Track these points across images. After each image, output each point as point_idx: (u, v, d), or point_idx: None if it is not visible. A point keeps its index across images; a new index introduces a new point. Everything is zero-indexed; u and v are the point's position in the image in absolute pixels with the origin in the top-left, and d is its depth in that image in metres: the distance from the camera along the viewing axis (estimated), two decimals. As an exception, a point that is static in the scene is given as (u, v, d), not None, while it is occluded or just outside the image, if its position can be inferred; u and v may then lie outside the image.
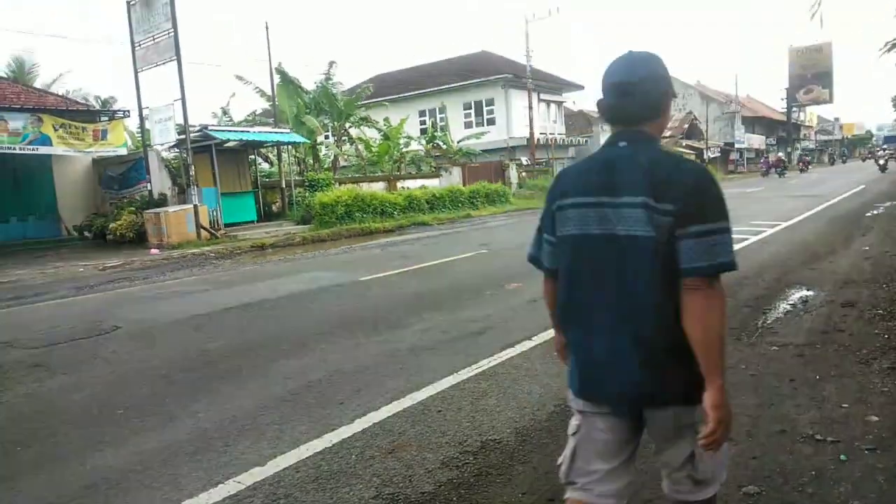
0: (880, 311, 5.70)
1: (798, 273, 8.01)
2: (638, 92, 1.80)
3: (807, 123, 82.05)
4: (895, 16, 5.60)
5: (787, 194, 23.84)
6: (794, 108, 67.04)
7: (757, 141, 64.85)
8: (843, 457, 3.07)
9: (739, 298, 6.71)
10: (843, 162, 65.61)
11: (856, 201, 18.10)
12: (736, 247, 8.52)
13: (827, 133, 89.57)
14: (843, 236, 11.24)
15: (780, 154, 51.92)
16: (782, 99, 65.56)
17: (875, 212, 14.89)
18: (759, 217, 15.48)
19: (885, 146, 54.30)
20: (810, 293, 6.77)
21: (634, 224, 1.71)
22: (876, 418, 3.47)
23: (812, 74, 60.55)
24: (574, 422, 1.97)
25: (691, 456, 1.83)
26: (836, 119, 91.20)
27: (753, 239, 11.51)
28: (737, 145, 59.32)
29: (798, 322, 5.64)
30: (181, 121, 16.76)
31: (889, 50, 5.18)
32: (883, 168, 35.88)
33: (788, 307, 6.24)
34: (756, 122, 65.65)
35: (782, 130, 70.71)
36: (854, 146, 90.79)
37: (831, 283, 7.21)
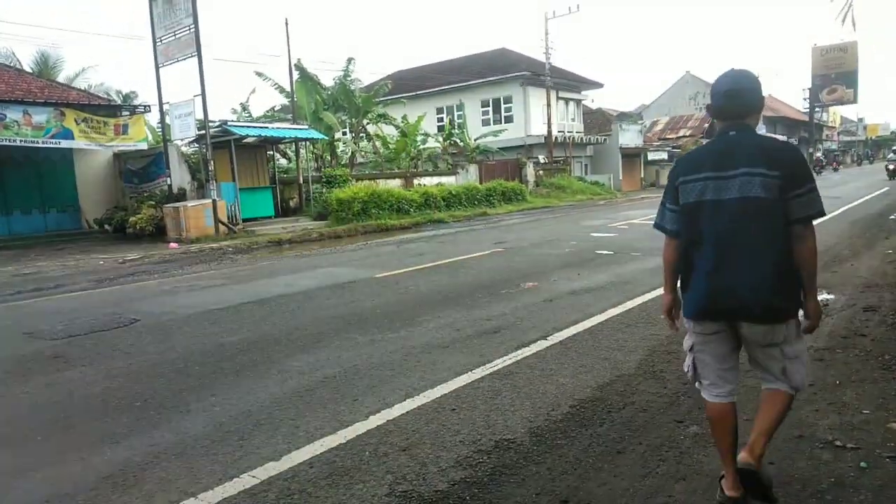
0: (903, 316, 5.60)
1: (819, 276, 7.84)
2: (743, 96, 2.56)
3: (829, 124, 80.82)
4: None
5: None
6: (817, 109, 66.06)
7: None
8: (863, 464, 3.02)
9: (758, 301, 6.62)
10: (871, 162, 64.65)
11: (879, 204, 17.81)
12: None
13: (850, 133, 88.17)
14: (866, 239, 11.06)
15: (819, 153, 50.15)
16: (805, 99, 64.63)
17: (899, 214, 14.63)
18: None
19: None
20: (831, 297, 6.67)
21: (752, 188, 2.47)
22: (897, 425, 3.41)
23: (836, 74, 59.58)
24: (689, 341, 2.82)
25: (785, 369, 2.65)
26: (861, 119, 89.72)
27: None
28: (757, 145, 58.64)
29: (819, 326, 5.55)
30: (201, 116, 16.91)
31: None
32: (892, 174, 31.23)
33: (808, 310, 6.14)
34: (778, 122, 64.79)
35: (804, 130, 69.71)
36: (878, 147, 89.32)
37: (853, 286, 7.09)
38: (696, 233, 2.64)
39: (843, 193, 22.77)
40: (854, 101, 62.20)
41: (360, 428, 3.76)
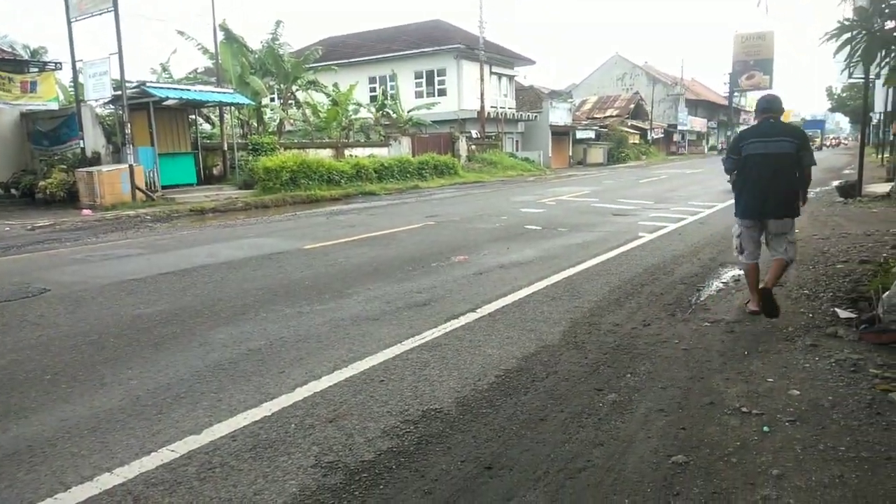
0: (806, 292, 5.99)
1: (732, 253, 8.31)
2: (774, 104, 5.15)
3: (747, 108, 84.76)
4: (838, 4, 5.78)
5: (724, 177, 24.65)
6: (736, 93, 69.04)
7: (699, 124, 66.69)
8: (765, 428, 3.23)
9: (675, 276, 6.93)
10: None
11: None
12: (673, 226, 8.90)
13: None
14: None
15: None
16: (725, 83, 67.38)
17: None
18: (697, 198, 15.98)
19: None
20: (742, 272, 7.04)
21: (786, 147, 4.91)
22: (797, 392, 3.66)
23: (754, 61, 62.28)
24: (737, 230, 5.28)
25: (786, 249, 5.03)
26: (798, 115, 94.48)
27: (691, 219, 11.88)
28: (679, 127, 60.84)
29: (730, 300, 5.87)
30: (117, 76, 15.97)
31: (830, 39, 5.35)
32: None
33: (721, 285, 6.49)
34: (699, 105, 67.46)
35: (723, 114, 72.82)
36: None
37: (763, 262, 7.51)
38: (750, 170, 5.07)
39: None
40: (769, 87, 65.26)
41: (285, 400, 3.71)
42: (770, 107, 5.13)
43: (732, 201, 5.51)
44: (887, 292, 4.57)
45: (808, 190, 5.28)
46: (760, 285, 4.98)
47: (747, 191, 5.10)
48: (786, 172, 4.96)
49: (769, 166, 4.94)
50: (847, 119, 68.47)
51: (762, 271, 5.36)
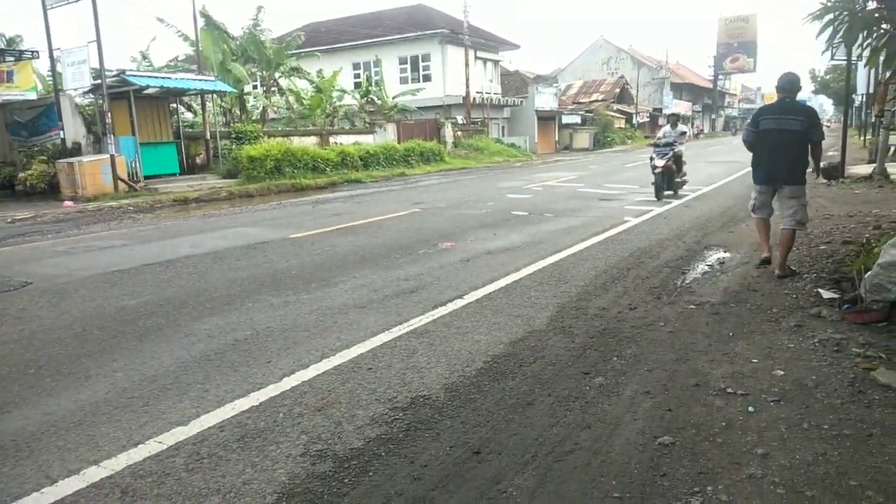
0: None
1: (717, 235, 8.38)
2: (793, 84, 5.84)
3: (731, 91, 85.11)
4: None
5: (708, 160, 24.80)
6: (721, 77, 69.28)
7: (684, 107, 66.82)
8: (750, 408, 3.27)
9: (661, 259, 6.97)
10: None
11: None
12: (659, 210, 8.88)
13: (750, 102, 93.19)
14: (759, 201, 11.80)
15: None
16: (710, 66, 67.59)
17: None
18: (683, 181, 16.05)
19: None
20: (727, 255, 7.11)
21: (795, 125, 5.68)
22: (781, 372, 3.71)
23: (738, 43, 62.61)
24: (754, 193, 6.17)
25: (795, 211, 5.79)
26: (759, 88, 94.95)
27: (676, 203, 11.94)
28: (665, 111, 60.96)
29: (715, 282, 5.92)
30: (96, 64, 15.68)
31: (813, 20, 5.37)
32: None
33: (706, 268, 6.53)
34: (684, 89, 67.54)
35: (708, 98, 73.09)
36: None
37: (747, 245, 7.59)
38: (763, 143, 5.91)
39: (743, 158, 24.13)
40: (753, 69, 65.72)
41: (273, 390, 3.70)
42: (786, 87, 5.84)
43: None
44: (869, 272, 4.62)
45: (821, 162, 6.38)
46: (775, 271, 5.92)
47: (761, 160, 5.98)
48: (793, 147, 5.74)
49: (779, 140, 5.77)
50: (831, 101, 68.93)
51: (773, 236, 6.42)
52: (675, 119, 13.92)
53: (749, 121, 6.22)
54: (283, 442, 3.08)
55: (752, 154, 6.07)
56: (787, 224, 5.86)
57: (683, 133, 13.58)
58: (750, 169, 6.36)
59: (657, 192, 12.40)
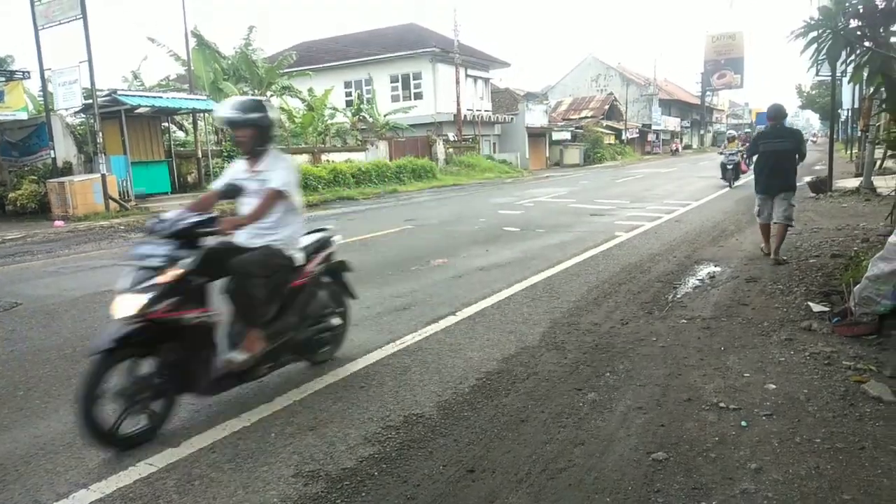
0: (780, 287, 6.09)
1: (707, 250, 8.43)
2: (780, 113, 7.55)
3: (719, 107, 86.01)
4: (811, 2, 5.91)
5: (698, 175, 24.99)
6: (708, 93, 70.03)
7: (672, 123, 67.48)
8: (743, 423, 3.28)
9: (652, 274, 7.00)
10: None
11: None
12: (649, 225, 8.92)
13: (737, 117, 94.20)
14: (750, 215, 11.88)
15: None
16: (697, 83, 68.31)
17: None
18: (673, 196, 16.17)
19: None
20: (718, 269, 7.15)
21: (787, 145, 7.26)
22: (773, 386, 3.72)
23: (725, 60, 63.29)
24: (757, 201, 7.60)
25: (786, 209, 7.27)
26: (746, 104, 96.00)
27: (666, 217, 12.02)
28: (654, 127, 61.50)
29: (706, 296, 5.95)
30: (87, 84, 15.67)
31: (797, 37, 5.46)
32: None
33: (697, 282, 6.57)
34: (672, 105, 68.24)
35: (696, 114, 73.81)
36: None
37: (737, 259, 7.64)
38: (763, 162, 7.36)
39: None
40: (741, 85, 66.41)
41: (265, 410, 3.67)
42: (775, 115, 7.51)
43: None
44: (858, 285, 4.66)
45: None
46: (771, 257, 7.35)
47: (761, 176, 7.46)
48: (786, 162, 7.27)
49: (776, 159, 7.27)
50: (817, 116, 69.72)
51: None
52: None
53: (750, 143, 8.11)
54: (275, 463, 3.06)
55: (753, 170, 7.83)
56: (780, 220, 7.30)
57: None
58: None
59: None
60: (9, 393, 4.12)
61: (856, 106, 22.08)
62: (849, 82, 17.97)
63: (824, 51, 5.44)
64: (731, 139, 20.44)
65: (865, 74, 5.95)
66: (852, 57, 5.79)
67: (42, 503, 2.79)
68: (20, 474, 3.05)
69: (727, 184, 18.15)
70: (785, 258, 7.27)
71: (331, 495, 2.75)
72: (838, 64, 6.94)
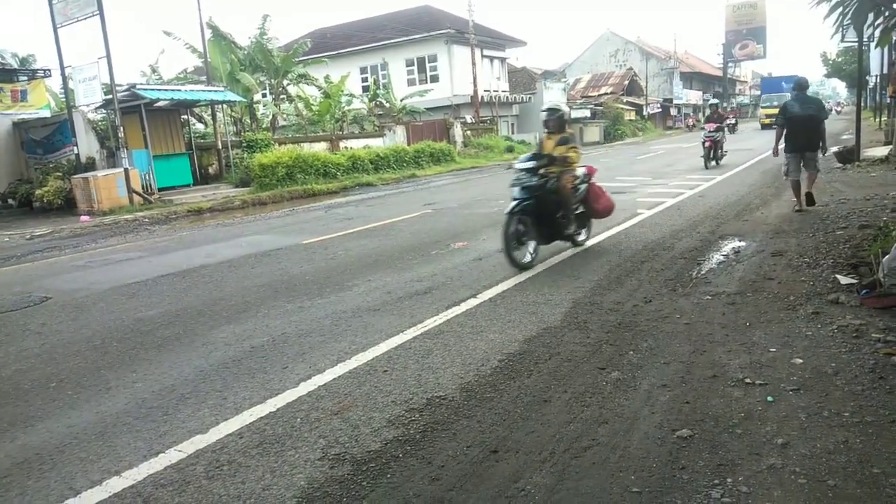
0: (807, 260, 5.98)
1: (731, 225, 8.30)
2: (804, 84, 9.08)
3: (742, 79, 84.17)
4: None
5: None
6: (730, 64, 68.57)
7: (694, 96, 66.27)
8: (769, 398, 3.24)
9: (675, 251, 6.92)
10: None
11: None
12: (672, 201, 8.83)
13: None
14: (774, 188, 11.69)
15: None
16: (719, 54, 66.90)
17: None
18: (695, 172, 15.91)
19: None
20: (742, 244, 7.04)
21: (812, 111, 8.63)
22: (800, 361, 3.66)
23: (747, 30, 61.87)
24: (786, 160, 8.87)
25: (815, 163, 8.80)
26: (770, 74, 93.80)
27: (689, 193, 11.84)
28: (675, 101, 60.47)
29: (730, 272, 5.86)
30: (107, 80, 15.86)
31: (819, 3, 5.30)
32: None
33: (722, 258, 6.47)
34: (694, 78, 67.01)
35: (718, 86, 72.34)
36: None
37: (762, 233, 7.51)
38: (793, 125, 8.59)
39: (756, 146, 23.88)
40: (763, 56, 64.90)
41: (290, 395, 3.72)
42: (800, 86, 8.97)
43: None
44: (887, 256, 4.56)
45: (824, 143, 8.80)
46: (804, 191, 8.70)
47: (792, 137, 8.65)
48: (811, 125, 8.47)
49: (802, 122, 8.46)
50: (843, 84, 67.87)
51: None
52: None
53: (779, 111, 9.05)
54: (302, 447, 3.10)
55: (785, 133, 8.77)
56: (811, 170, 8.73)
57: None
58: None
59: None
60: (42, 385, 4.23)
61: (884, 71, 21.44)
62: (876, 46, 17.41)
63: (850, 15, 5.27)
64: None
65: (895, 37, 5.75)
66: (879, 19, 5.60)
67: (77, 490, 2.86)
68: (55, 463, 3.13)
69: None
70: (814, 200, 8.80)
71: (357, 477, 2.79)
72: (865, 28, 6.64)
